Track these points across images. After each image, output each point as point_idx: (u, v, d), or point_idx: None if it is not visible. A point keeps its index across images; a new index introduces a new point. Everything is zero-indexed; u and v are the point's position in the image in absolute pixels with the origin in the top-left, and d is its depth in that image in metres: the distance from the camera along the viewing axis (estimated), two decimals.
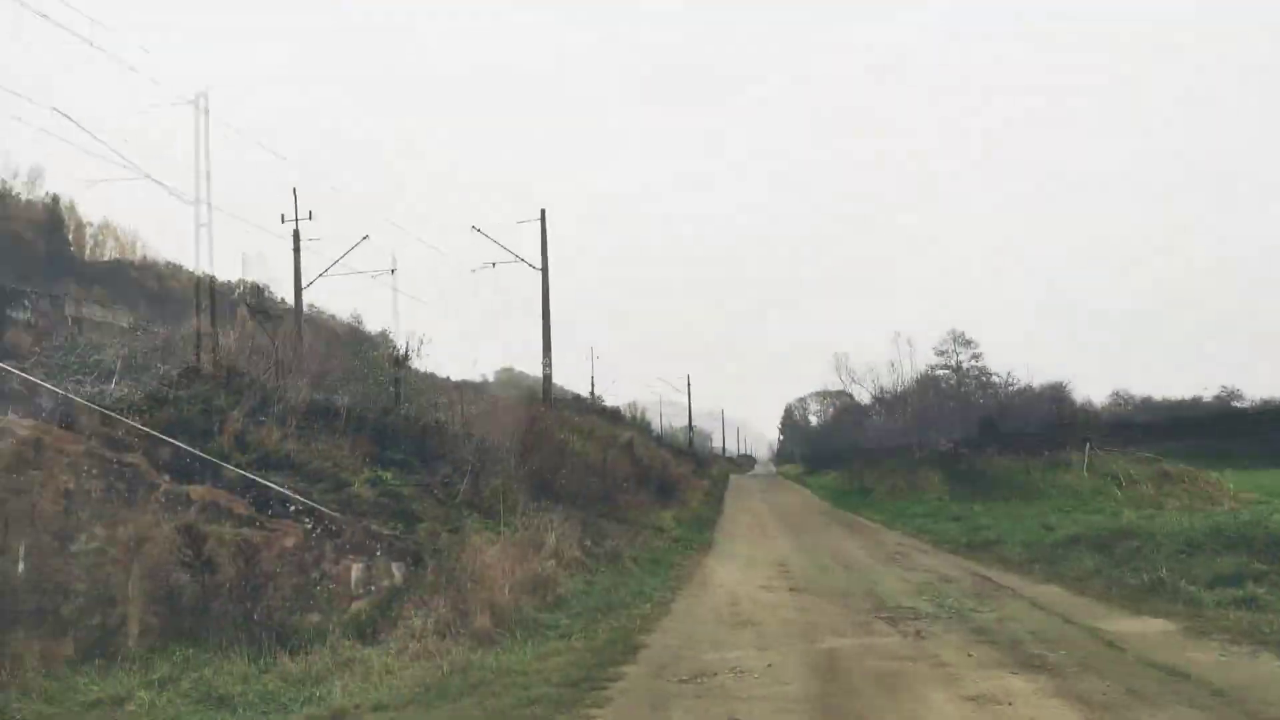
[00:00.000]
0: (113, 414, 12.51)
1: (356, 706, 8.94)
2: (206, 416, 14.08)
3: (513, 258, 41.31)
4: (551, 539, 14.60)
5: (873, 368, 53.14)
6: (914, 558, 19.62)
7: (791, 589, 15.16)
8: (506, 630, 11.60)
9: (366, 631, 11.89)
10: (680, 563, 18.23)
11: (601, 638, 11.25)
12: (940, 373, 52.89)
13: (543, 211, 41.42)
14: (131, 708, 9.23)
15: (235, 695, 9.39)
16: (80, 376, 13.75)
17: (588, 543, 16.02)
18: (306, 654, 10.69)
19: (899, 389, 51.56)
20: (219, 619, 11.73)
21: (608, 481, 19.95)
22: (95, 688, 9.68)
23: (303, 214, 40.32)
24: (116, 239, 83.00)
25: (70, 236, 76.51)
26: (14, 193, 70.81)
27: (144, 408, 13.54)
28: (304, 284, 39.92)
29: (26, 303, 14.16)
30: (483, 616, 11.54)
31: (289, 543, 12.62)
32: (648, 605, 13.40)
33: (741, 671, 9.52)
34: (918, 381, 51.15)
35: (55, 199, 75.49)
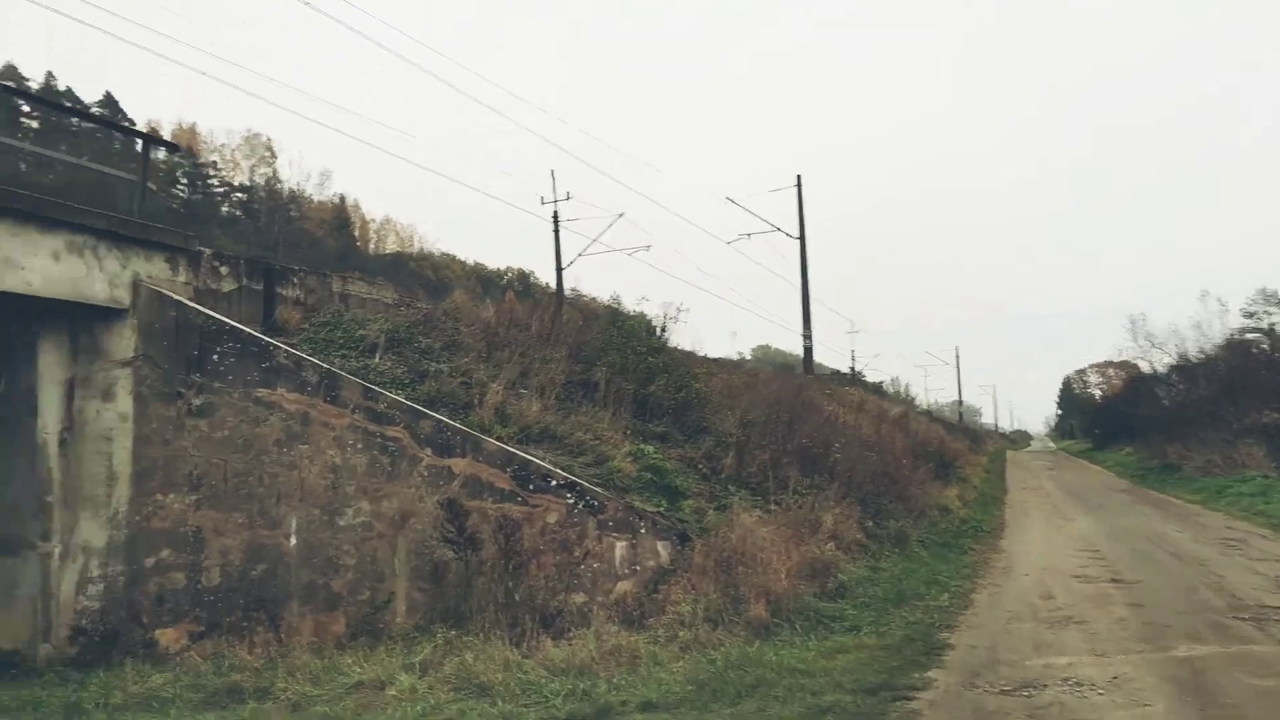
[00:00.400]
0: (375, 388, 12.28)
1: (624, 704, 7.98)
2: (467, 389, 13.69)
3: (769, 227, 40.15)
4: (828, 519, 13.19)
5: (1175, 329, 47.63)
6: (1255, 544, 16.63)
7: (1114, 579, 12.96)
8: (784, 620, 10.35)
9: (632, 615, 11.01)
10: (973, 546, 16.30)
11: (896, 634, 9.75)
12: (1250, 336, 46.65)
13: (798, 177, 39.86)
14: (392, 692, 8.72)
15: (496, 684, 8.68)
16: (345, 351, 13.70)
17: (869, 523, 14.49)
18: (569, 640, 9.89)
19: (1205, 355, 45.89)
20: (481, 598, 11.23)
21: (885, 457, 18.24)
22: (358, 670, 9.28)
23: (560, 195, 41.04)
24: (396, 233, 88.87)
25: (356, 232, 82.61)
26: (306, 194, 77.15)
27: (406, 381, 13.30)
28: (563, 264, 40.54)
29: (295, 280, 14.26)
30: (758, 604, 10.33)
31: (551, 519, 11.96)
32: (945, 595, 11.74)
33: (1079, 685, 7.76)
34: (1226, 346, 45.28)
35: (342, 198, 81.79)
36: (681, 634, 9.90)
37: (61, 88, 57.96)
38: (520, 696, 8.39)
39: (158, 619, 11.57)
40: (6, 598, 11.52)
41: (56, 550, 11.61)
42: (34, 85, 58.45)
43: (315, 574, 11.52)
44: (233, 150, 74.46)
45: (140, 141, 12.35)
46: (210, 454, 11.81)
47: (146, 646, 11.32)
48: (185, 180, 67.09)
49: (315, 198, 78.21)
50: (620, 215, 39.79)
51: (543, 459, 12.50)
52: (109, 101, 58.36)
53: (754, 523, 12.42)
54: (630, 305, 19.79)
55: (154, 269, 12.35)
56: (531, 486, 11.91)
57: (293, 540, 11.58)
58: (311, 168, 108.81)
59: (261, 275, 14.00)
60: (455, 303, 16.73)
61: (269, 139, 75.64)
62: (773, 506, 13.86)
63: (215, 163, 71.45)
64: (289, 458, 11.78)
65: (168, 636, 11.47)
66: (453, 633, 10.27)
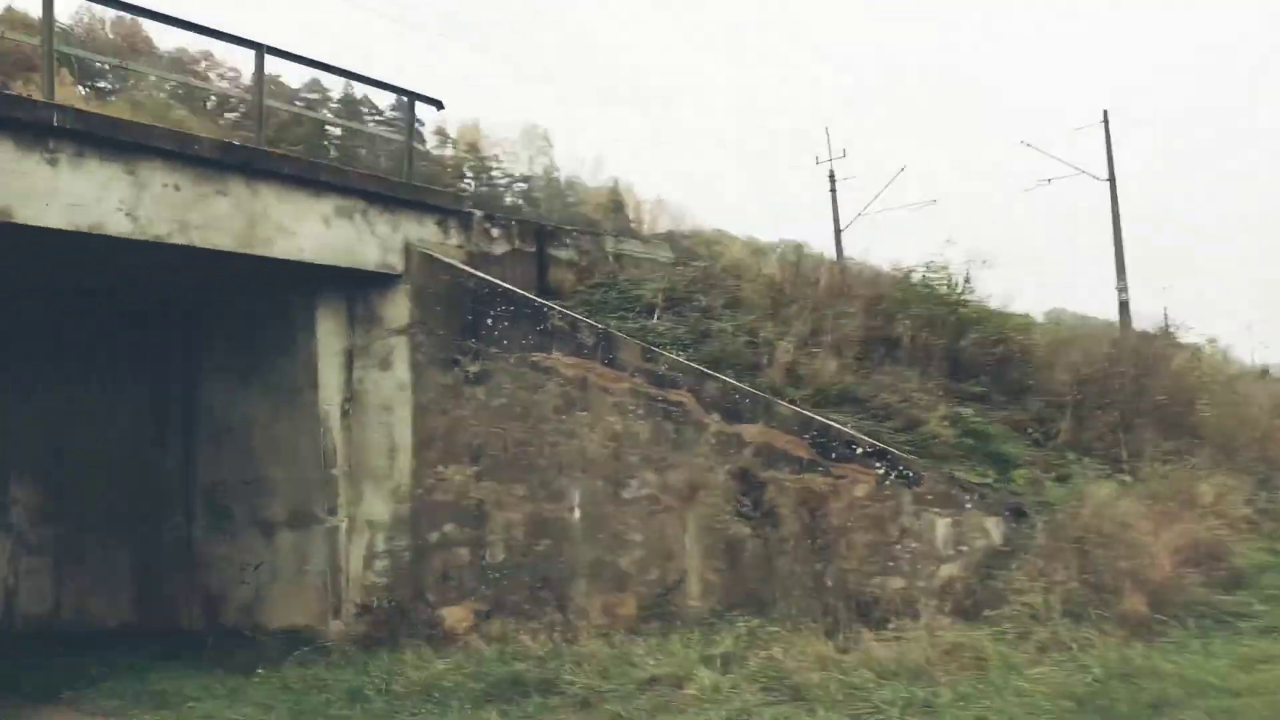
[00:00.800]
0: (655, 349, 11.18)
1: None
2: (753, 349, 12.36)
3: (1071, 171, 36.31)
4: (1206, 490, 10.72)
5: None
6: None
7: None
8: (1168, 616, 8.22)
9: (963, 605, 9.25)
10: None
11: None
12: None
13: (1105, 113, 35.84)
14: (691, 691, 7.50)
15: (812, 686, 7.27)
16: (622, 313, 12.77)
17: (1261, 495, 11.80)
18: (894, 634, 8.29)
19: None
20: (784, 581, 9.87)
21: (1254, 418, 15.14)
22: (652, 662, 8.14)
23: (835, 152, 38.98)
24: (668, 213, 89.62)
25: (630, 214, 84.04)
26: (581, 180, 79.31)
27: (686, 341, 12.14)
28: (842, 226, 38.49)
29: (568, 241, 13.50)
30: (1133, 596, 8.25)
31: (859, 492, 10.37)
32: None
33: None
34: None
35: (615, 182, 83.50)
36: (1036, 631, 8.04)
37: (358, 95, 62.26)
38: (844, 704, 6.94)
39: (443, 597, 11.06)
40: (298, 573, 11.42)
41: (343, 525, 11.36)
42: (334, 95, 63.07)
43: (601, 550, 10.57)
44: (512, 143, 77.61)
45: (406, 99, 11.89)
46: (489, 423, 11.14)
47: (432, 626, 10.82)
48: (471, 174, 70.51)
49: (590, 184, 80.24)
50: (902, 169, 37.23)
51: (844, 424, 10.94)
52: (399, 105, 61.97)
53: (1109, 495, 10.23)
54: (918, 266, 17.69)
55: (425, 232, 11.85)
56: (834, 455, 10.38)
57: (576, 514, 10.69)
58: (585, 154, 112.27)
59: (533, 237, 13.30)
60: (735, 259, 15.41)
61: (545, 130, 78.37)
62: (1125, 477, 11.54)
63: (497, 155, 74.77)
64: (568, 425, 10.88)
65: (454, 615, 10.92)
66: (754, 620, 8.95)
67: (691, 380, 10.75)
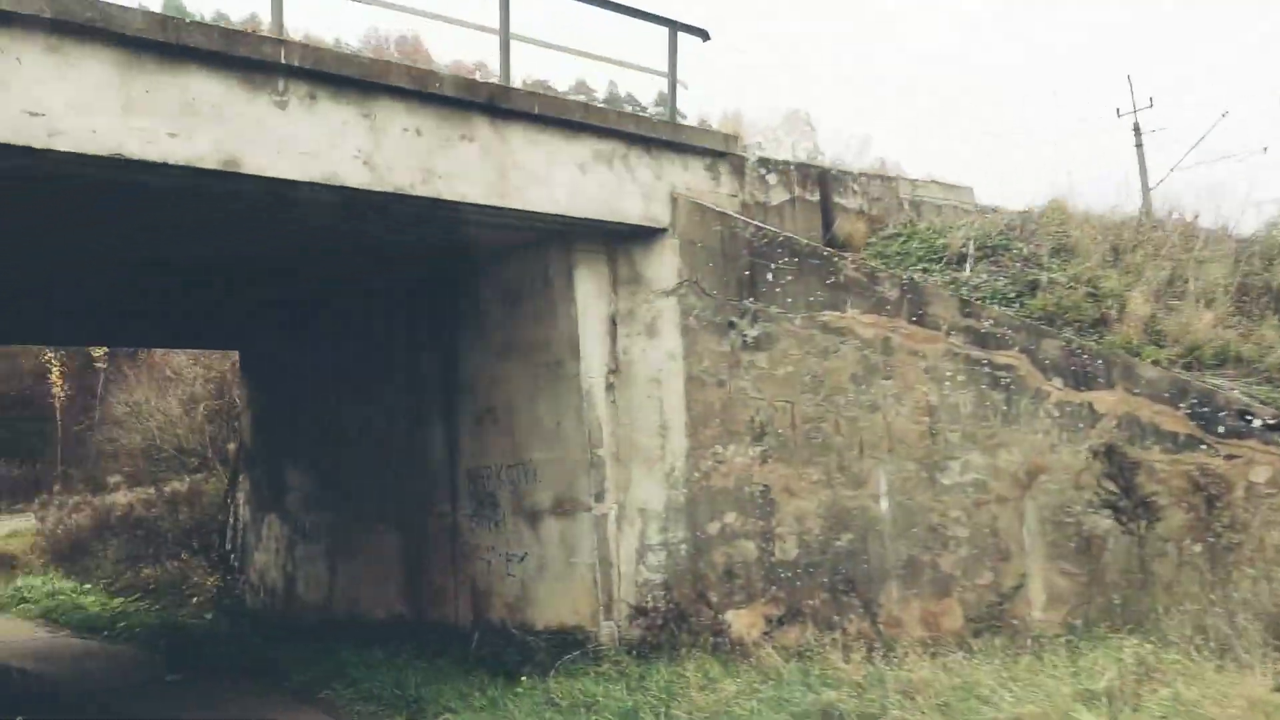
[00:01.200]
0: (973, 302, 9.15)
1: None
2: (1094, 301, 10.05)
3: None
4: None
5: None
6: None
7: None
8: None
9: None
10: None
11: None
12: None
13: None
14: None
15: None
16: (925, 265, 10.80)
17: None
18: None
19: None
20: (1168, 590, 7.65)
21: None
22: (1006, 695, 6.17)
23: (1140, 102, 34.45)
24: (939, 186, 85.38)
25: None
26: (845, 162, 76.61)
27: (1010, 295, 10.04)
28: (1150, 184, 33.96)
29: (855, 187, 11.69)
30: None
31: (1258, 476, 7.96)
32: None
33: None
34: None
35: (882, 162, 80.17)
36: None
37: (623, 94, 62.80)
38: None
39: (727, 598, 9.53)
40: (565, 566, 10.19)
41: (612, 512, 10.04)
42: (600, 95, 63.96)
43: (917, 548, 8.69)
44: (774, 129, 76.17)
45: (669, 31, 10.48)
46: (772, 395, 9.49)
47: (716, 633, 9.29)
48: None
49: (855, 165, 77.55)
50: (1224, 115, 32.21)
51: (1230, 390, 8.48)
52: (662, 100, 61.89)
53: None
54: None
55: (692, 178, 10.40)
56: (1221, 429, 8.03)
57: (883, 503, 8.86)
58: (850, 136, 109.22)
59: (816, 183, 11.61)
60: (1058, 203, 12.97)
61: (807, 114, 76.27)
62: None
63: (760, 143, 73.61)
64: (869, 397, 9.07)
65: (741, 620, 9.37)
66: (1139, 643, 6.76)
67: (1024, 339, 8.68)
